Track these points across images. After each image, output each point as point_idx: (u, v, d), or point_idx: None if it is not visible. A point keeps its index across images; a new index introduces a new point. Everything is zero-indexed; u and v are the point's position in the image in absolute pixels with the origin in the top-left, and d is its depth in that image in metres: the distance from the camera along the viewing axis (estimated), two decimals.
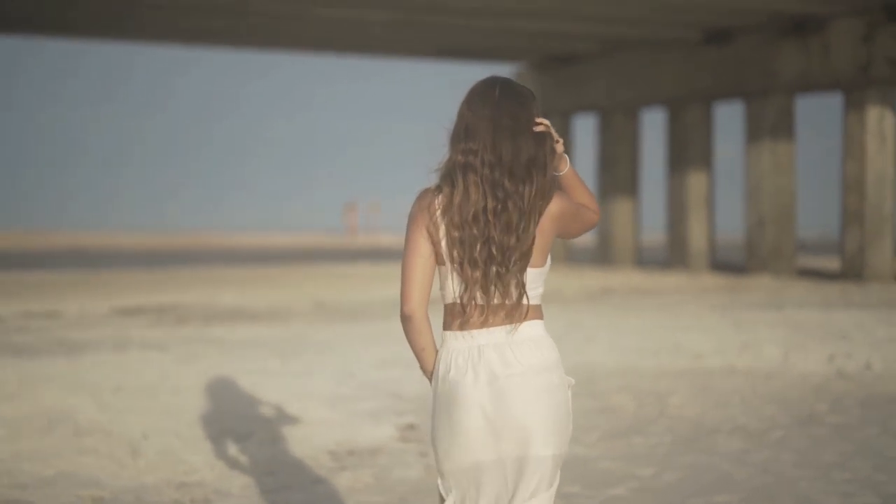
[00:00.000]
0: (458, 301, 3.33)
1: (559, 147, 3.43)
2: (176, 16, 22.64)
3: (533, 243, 3.32)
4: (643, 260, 26.68)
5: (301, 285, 20.66)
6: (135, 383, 8.42)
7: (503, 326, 3.32)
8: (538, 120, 3.37)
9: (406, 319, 3.35)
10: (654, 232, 32.01)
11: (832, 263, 24.30)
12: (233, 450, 6.72)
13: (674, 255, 24.95)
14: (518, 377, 3.30)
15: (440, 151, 3.34)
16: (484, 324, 3.33)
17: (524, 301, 3.33)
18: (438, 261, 3.34)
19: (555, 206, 3.35)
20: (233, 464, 6.45)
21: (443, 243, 3.31)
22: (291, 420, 7.48)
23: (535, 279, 3.36)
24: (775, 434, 7.87)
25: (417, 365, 10.08)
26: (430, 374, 3.39)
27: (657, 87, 25.25)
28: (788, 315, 14.64)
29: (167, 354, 10.36)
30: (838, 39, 21.44)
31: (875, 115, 21.00)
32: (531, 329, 3.35)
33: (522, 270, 3.31)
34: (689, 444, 7.56)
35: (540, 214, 3.32)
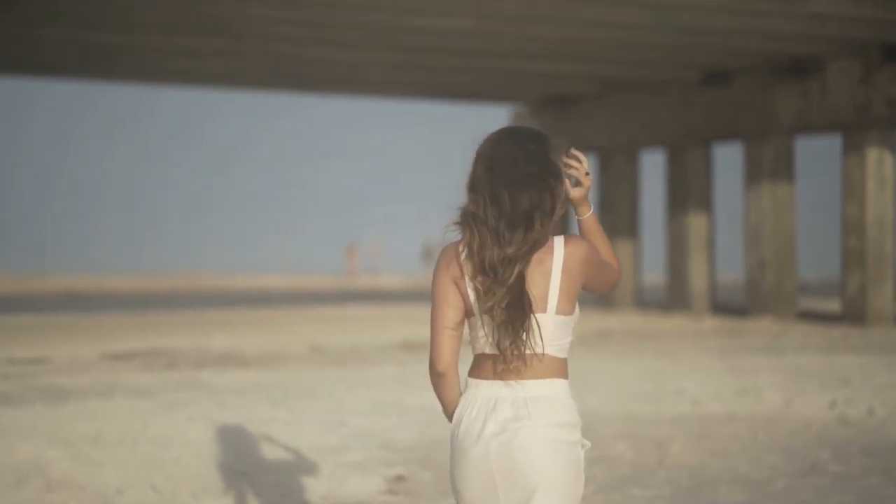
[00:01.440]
0: (484, 351, 3.36)
1: (576, 192, 3.45)
2: (165, 58, 22.54)
3: (522, 289, 3.28)
4: (643, 301, 26.46)
5: (296, 328, 20.41)
6: (115, 433, 8.15)
7: (521, 381, 3.33)
8: (573, 153, 3.43)
9: (438, 376, 3.40)
10: (655, 273, 31.82)
11: (834, 305, 24.07)
12: None
13: (674, 297, 24.75)
14: (527, 430, 3.30)
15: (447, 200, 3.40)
16: (501, 375, 3.34)
17: (538, 351, 3.31)
18: (468, 311, 3.37)
19: (580, 251, 3.34)
20: None
21: (470, 292, 3.35)
22: (275, 472, 7.22)
23: (561, 328, 3.34)
24: (777, 484, 7.65)
25: (411, 413, 9.94)
26: (449, 417, 3.44)
27: (656, 128, 25.15)
28: (789, 360, 14.41)
29: (153, 401, 10.10)
30: (836, 80, 21.33)
31: (874, 157, 20.85)
32: (550, 387, 3.34)
33: (524, 318, 3.28)
34: (688, 495, 7.33)
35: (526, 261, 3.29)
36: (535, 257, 3.33)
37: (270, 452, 7.85)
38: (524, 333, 3.30)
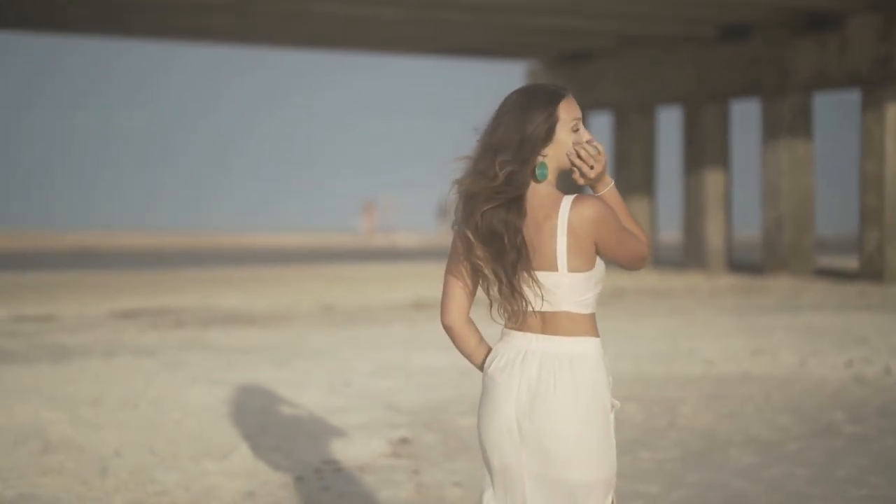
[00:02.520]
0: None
1: (582, 181, 3.40)
2: (176, 14, 22.33)
3: (523, 243, 3.27)
4: (659, 260, 26.25)
5: (308, 287, 20.29)
6: (116, 394, 8.01)
7: (548, 336, 3.32)
8: (577, 146, 3.36)
9: (446, 330, 3.42)
10: (671, 231, 31.57)
11: (852, 263, 23.82)
12: (211, 468, 6.31)
13: (690, 255, 24.56)
14: (550, 398, 3.28)
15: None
16: (524, 327, 3.33)
17: (538, 308, 3.29)
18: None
19: (589, 210, 3.27)
20: (209, 484, 6.04)
21: (479, 250, 3.34)
22: (277, 434, 7.08)
23: (578, 285, 3.30)
24: (790, 446, 7.49)
25: (417, 375, 9.81)
26: (480, 368, 3.42)
27: (673, 84, 24.84)
28: (805, 318, 14.22)
29: (157, 361, 9.97)
30: (856, 35, 20.97)
31: (893, 113, 20.55)
32: (579, 346, 3.32)
33: (526, 271, 3.28)
34: (699, 458, 7.18)
35: (521, 214, 3.28)
36: (541, 213, 3.30)
37: (272, 414, 7.72)
38: (516, 290, 3.29)
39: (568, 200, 3.30)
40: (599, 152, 3.37)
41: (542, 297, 3.31)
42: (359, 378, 9.46)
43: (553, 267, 3.29)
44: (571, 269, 3.29)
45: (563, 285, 3.29)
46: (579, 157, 3.36)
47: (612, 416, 3.36)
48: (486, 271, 3.31)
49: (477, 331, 3.42)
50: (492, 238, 3.31)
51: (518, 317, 3.33)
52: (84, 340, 11.97)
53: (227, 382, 8.68)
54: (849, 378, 9.91)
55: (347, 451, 6.83)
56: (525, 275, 3.30)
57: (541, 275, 3.30)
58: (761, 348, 11.46)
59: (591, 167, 3.36)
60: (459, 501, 6.02)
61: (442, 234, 50.33)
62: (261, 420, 7.47)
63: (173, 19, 23.00)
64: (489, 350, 3.41)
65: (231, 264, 29.16)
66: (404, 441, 7.26)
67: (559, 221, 3.28)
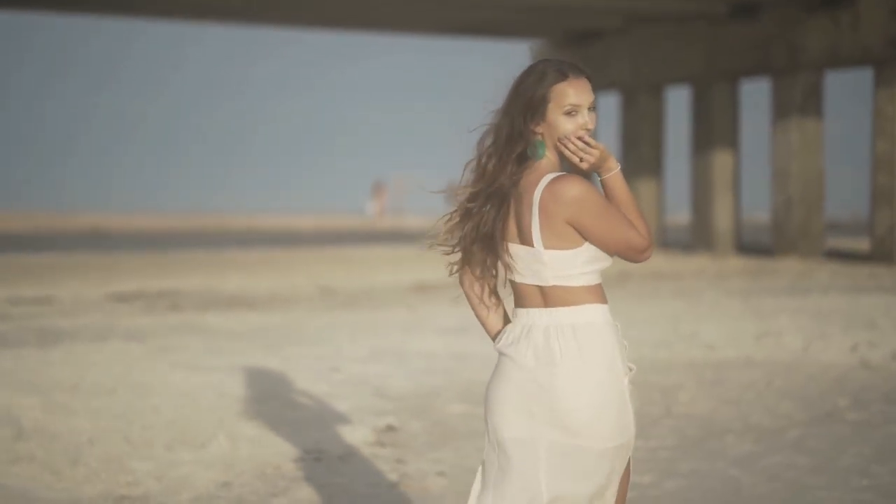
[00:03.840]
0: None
1: (582, 165, 3.34)
2: None
3: (491, 223, 3.31)
4: (667, 241, 25.99)
5: (312, 269, 20.10)
6: (95, 379, 7.82)
7: (546, 309, 3.32)
8: (563, 140, 3.32)
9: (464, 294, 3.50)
10: (679, 213, 31.31)
11: (863, 244, 23.52)
12: (187, 457, 6.10)
13: (698, 237, 24.32)
14: (557, 366, 3.27)
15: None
16: (526, 303, 3.34)
17: (546, 283, 3.29)
18: None
19: (566, 192, 3.24)
20: (184, 473, 5.83)
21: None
22: (258, 422, 6.87)
23: (559, 262, 3.27)
24: (790, 434, 7.28)
25: (411, 360, 9.60)
26: (493, 340, 3.46)
27: (682, 64, 24.55)
28: (813, 301, 13.98)
29: (145, 346, 9.78)
30: (868, 12, 20.64)
31: None
32: (572, 315, 3.30)
33: (497, 248, 3.32)
34: (695, 446, 6.97)
35: (503, 198, 3.29)
36: (527, 188, 3.29)
37: (255, 401, 7.50)
38: (491, 264, 3.36)
39: (547, 178, 3.27)
40: (590, 146, 3.30)
41: (522, 270, 3.32)
42: (349, 364, 9.24)
43: (530, 242, 3.29)
44: (548, 247, 3.27)
45: (544, 262, 3.28)
46: (567, 149, 3.33)
47: (625, 381, 3.32)
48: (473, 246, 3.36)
49: (493, 302, 3.45)
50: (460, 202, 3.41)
51: (523, 292, 3.34)
52: (77, 324, 11.80)
53: (212, 368, 8.49)
54: (854, 363, 9.69)
55: (330, 440, 6.62)
56: (505, 245, 3.32)
57: (522, 248, 3.31)
58: (766, 332, 11.24)
59: (581, 160, 3.31)
60: (443, 492, 5.82)
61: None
62: (242, 407, 7.25)
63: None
64: (504, 325, 3.44)
65: (238, 247, 28.98)
66: (390, 429, 7.04)
67: (534, 198, 3.27)
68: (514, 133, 3.31)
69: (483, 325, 3.48)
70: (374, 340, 10.73)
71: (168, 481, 5.67)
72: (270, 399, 7.57)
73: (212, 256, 23.95)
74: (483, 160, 3.34)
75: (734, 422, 7.61)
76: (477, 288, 3.45)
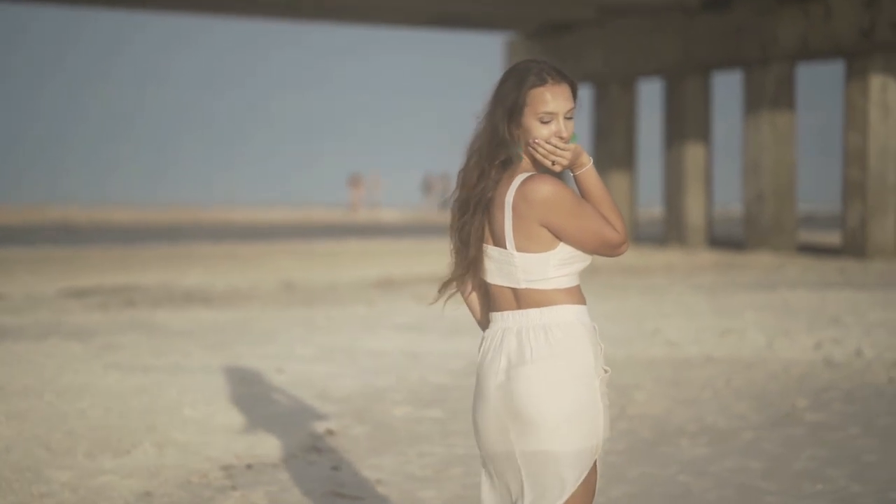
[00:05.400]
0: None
1: (555, 167, 3.29)
2: None
3: (475, 226, 3.28)
4: (640, 236, 25.79)
5: (278, 263, 19.78)
6: (23, 381, 7.50)
7: (519, 311, 3.28)
8: (535, 142, 3.27)
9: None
10: (652, 207, 31.14)
11: (837, 238, 23.36)
12: (108, 465, 5.80)
13: (670, 231, 24.13)
14: (526, 367, 3.24)
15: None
16: (501, 307, 3.32)
17: (518, 285, 3.26)
18: None
19: (536, 192, 3.20)
20: (102, 483, 5.54)
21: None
22: (190, 426, 6.57)
23: (531, 265, 3.24)
24: (745, 436, 7.07)
25: (360, 360, 9.33)
26: None
27: (654, 56, 24.33)
28: (780, 297, 13.77)
29: (87, 345, 9.47)
30: (840, 4, 20.46)
31: (878, 84, 20.06)
32: (544, 316, 3.26)
33: (475, 250, 3.31)
34: (646, 450, 6.74)
35: (481, 200, 3.28)
36: (503, 190, 3.27)
37: (187, 405, 7.18)
38: (468, 266, 3.33)
39: (519, 180, 3.25)
40: (559, 149, 3.27)
41: (495, 271, 3.31)
42: (296, 364, 8.94)
43: (503, 244, 3.27)
44: (520, 249, 3.25)
45: (516, 264, 3.26)
46: (538, 152, 3.30)
47: (596, 384, 3.28)
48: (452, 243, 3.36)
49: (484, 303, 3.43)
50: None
51: (496, 294, 3.32)
52: (23, 321, 11.48)
53: (151, 368, 8.19)
54: (817, 360, 9.49)
55: (264, 446, 6.33)
56: (483, 247, 3.32)
57: (495, 250, 3.29)
58: (729, 329, 11.03)
59: (553, 163, 3.28)
60: (379, 502, 5.55)
61: (426, 209, 49.88)
62: (172, 411, 6.93)
63: None
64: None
65: (208, 240, 28.61)
66: (329, 433, 6.75)
67: (506, 200, 3.25)
68: (498, 139, 3.29)
69: (475, 320, 3.49)
70: (327, 338, 10.44)
71: (84, 491, 5.37)
72: (206, 402, 7.25)
73: (177, 251, 23.58)
74: (470, 168, 3.32)
75: (689, 423, 7.40)
76: (476, 297, 3.44)
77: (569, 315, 3.28)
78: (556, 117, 3.26)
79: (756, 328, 11.06)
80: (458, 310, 3.67)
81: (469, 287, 3.42)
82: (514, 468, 3.29)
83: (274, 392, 7.74)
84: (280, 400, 7.53)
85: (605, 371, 3.33)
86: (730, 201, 30.44)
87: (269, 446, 6.35)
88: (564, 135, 3.26)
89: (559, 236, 3.23)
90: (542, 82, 3.25)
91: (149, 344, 9.67)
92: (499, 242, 3.27)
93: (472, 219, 3.29)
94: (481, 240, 3.30)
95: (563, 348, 3.26)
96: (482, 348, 3.36)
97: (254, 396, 7.58)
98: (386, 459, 6.30)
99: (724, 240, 24.92)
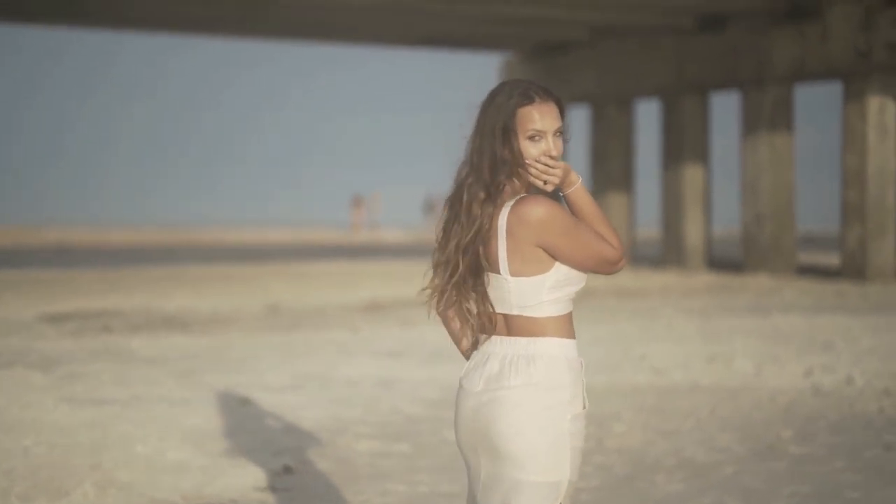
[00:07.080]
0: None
1: (546, 186, 3.26)
2: (141, 1, 21.62)
3: (469, 251, 3.23)
4: (637, 257, 25.47)
5: (266, 286, 19.46)
6: None
7: (508, 337, 3.27)
8: (528, 163, 3.25)
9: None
10: (650, 228, 30.86)
11: (836, 259, 23.05)
12: None
13: (668, 252, 23.83)
14: (500, 392, 3.23)
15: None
16: (492, 332, 3.31)
17: (511, 311, 3.24)
18: None
19: (530, 214, 3.18)
20: None
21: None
22: (136, 465, 6.25)
23: (525, 290, 3.21)
24: (725, 470, 6.78)
25: (333, 389, 9.01)
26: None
27: (650, 77, 24.09)
28: (772, 321, 13.47)
29: (49, 374, 9.16)
30: (836, 25, 20.21)
31: (876, 106, 19.79)
32: (529, 346, 3.24)
33: (472, 277, 3.26)
34: (619, 486, 6.45)
35: (477, 225, 3.22)
36: (496, 214, 3.25)
37: (139, 440, 6.85)
38: (469, 294, 3.28)
39: (511, 202, 3.23)
40: (550, 167, 3.25)
41: (493, 298, 3.27)
42: (264, 394, 8.61)
43: (497, 270, 3.25)
44: (514, 274, 3.23)
45: (510, 290, 3.23)
46: (530, 173, 3.28)
47: (568, 420, 3.24)
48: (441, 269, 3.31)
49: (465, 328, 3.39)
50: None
51: (487, 320, 3.30)
52: None
53: (109, 401, 7.86)
54: (806, 388, 9.20)
55: (215, 485, 6.01)
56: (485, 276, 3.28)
57: (490, 275, 3.27)
58: (717, 355, 10.73)
59: (545, 182, 3.26)
60: None
61: (427, 230, 49.67)
62: (121, 448, 6.60)
63: (138, 8, 22.29)
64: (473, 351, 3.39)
65: (202, 261, 28.31)
66: (287, 470, 6.44)
67: (500, 223, 3.22)
68: (496, 160, 3.24)
69: (455, 344, 3.45)
70: (302, 366, 10.13)
71: None
72: (160, 437, 6.93)
73: (167, 272, 23.25)
74: (466, 199, 3.24)
75: (667, 457, 7.10)
76: (457, 322, 3.39)
77: (554, 348, 3.26)
78: (545, 135, 3.24)
79: (745, 354, 10.78)
80: (441, 331, 3.63)
81: (446, 305, 3.37)
82: (477, 486, 3.30)
83: (235, 425, 7.41)
84: (240, 433, 7.21)
85: (584, 407, 3.30)
86: (731, 221, 30.18)
87: (220, 486, 6.02)
88: (554, 153, 3.25)
89: (556, 256, 3.21)
90: (530, 101, 3.23)
91: (113, 373, 9.36)
92: (492, 267, 3.24)
93: (470, 245, 3.25)
94: (480, 267, 3.26)
95: (541, 379, 3.23)
96: (466, 367, 3.36)
97: (212, 430, 7.25)
98: (343, 499, 6.00)
99: (723, 261, 24.62)
